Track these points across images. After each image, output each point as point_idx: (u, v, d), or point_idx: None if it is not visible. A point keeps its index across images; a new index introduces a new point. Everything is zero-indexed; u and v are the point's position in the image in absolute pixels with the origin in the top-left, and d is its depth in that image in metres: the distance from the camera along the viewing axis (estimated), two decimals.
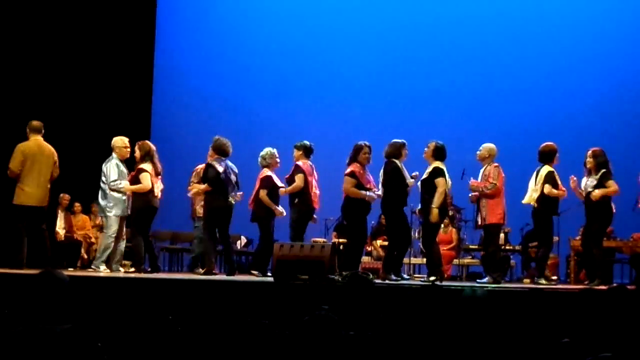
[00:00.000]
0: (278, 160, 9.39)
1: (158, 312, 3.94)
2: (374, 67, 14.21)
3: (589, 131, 12.43)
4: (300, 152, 9.11)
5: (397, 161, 8.54)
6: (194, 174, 9.80)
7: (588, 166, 8.43)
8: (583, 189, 8.43)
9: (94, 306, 5.36)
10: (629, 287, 4.86)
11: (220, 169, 8.90)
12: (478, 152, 8.89)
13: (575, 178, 8.61)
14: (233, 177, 9.01)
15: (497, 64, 13.84)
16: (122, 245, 9.14)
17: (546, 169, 8.64)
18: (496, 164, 8.72)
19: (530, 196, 8.75)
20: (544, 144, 8.87)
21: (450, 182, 8.54)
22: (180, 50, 14.80)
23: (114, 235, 8.89)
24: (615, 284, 7.61)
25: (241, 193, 9.26)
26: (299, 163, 9.04)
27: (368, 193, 8.57)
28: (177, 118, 14.33)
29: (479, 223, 8.83)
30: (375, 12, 14.48)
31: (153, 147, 9.08)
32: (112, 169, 8.93)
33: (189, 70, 14.74)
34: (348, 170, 8.67)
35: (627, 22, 13.53)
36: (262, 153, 9.35)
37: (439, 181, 8.33)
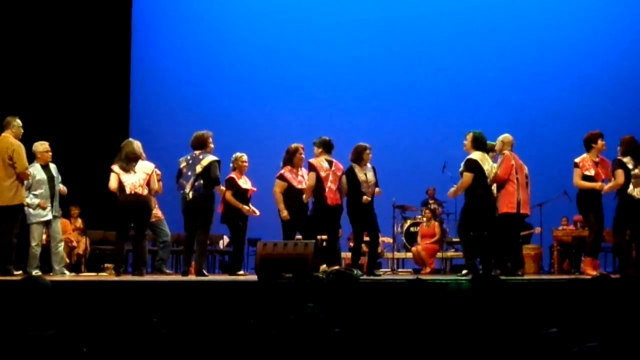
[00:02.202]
0: (245, 163, 9.42)
1: (142, 314, 3.91)
2: (353, 62, 14.28)
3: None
4: (321, 149, 8.92)
5: (355, 165, 8.81)
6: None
7: None
8: None
9: (78, 311, 5.31)
10: (613, 276, 4.88)
11: (183, 164, 8.78)
12: (496, 146, 8.69)
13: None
14: (198, 168, 8.64)
15: (489, 59, 13.95)
16: (38, 250, 8.99)
17: None
18: (505, 153, 8.49)
19: None
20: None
21: (494, 171, 8.34)
22: (157, 45, 14.74)
23: (35, 242, 8.88)
24: (599, 273, 7.62)
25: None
26: (311, 160, 8.91)
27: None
28: (156, 114, 14.27)
29: (496, 215, 8.66)
30: (352, 5, 14.53)
31: (124, 145, 8.86)
32: None
33: (167, 66, 14.67)
34: (279, 172, 9.01)
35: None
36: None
37: (465, 174, 8.30)
